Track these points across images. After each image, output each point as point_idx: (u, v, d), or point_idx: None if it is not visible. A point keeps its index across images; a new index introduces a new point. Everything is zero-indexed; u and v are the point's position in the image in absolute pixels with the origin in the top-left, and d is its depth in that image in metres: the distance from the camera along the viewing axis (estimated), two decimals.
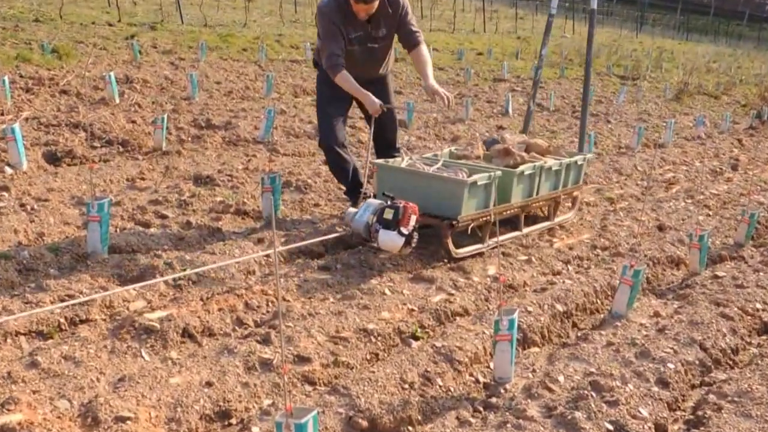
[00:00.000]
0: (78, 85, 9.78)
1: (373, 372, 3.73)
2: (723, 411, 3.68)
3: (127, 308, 4.20)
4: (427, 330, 4.39)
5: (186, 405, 3.32)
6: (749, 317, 4.96)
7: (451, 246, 5.38)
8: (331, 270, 5.04)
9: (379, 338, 4.15)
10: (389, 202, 5.06)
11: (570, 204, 6.88)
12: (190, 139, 8.42)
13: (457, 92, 14.29)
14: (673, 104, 16.57)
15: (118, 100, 9.43)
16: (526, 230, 6.11)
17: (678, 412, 3.80)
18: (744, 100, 18.74)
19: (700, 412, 3.70)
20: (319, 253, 5.42)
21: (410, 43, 5.77)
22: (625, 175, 9.12)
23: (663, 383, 3.92)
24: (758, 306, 5.09)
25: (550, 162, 6.20)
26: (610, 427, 3.44)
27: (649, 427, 3.52)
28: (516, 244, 5.95)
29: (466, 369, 3.97)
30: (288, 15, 24.37)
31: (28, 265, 4.60)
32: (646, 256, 5.93)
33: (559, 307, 4.79)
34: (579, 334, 4.56)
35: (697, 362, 4.22)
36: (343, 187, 6.17)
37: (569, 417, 3.46)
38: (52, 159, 7.11)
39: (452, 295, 4.83)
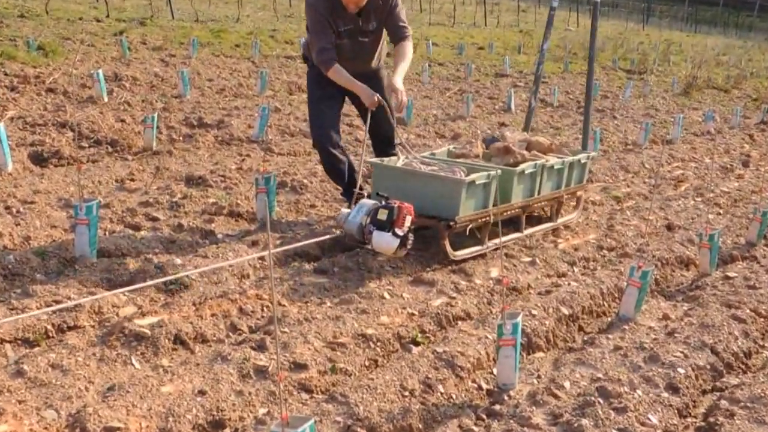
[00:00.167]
0: (65, 83, 9.77)
1: (372, 379, 3.72)
2: (735, 417, 3.67)
3: (117, 314, 4.19)
4: (427, 335, 4.38)
5: (178, 414, 3.31)
6: (762, 319, 4.96)
7: (448, 248, 5.36)
8: (328, 273, 5.03)
9: (378, 344, 4.14)
10: (384, 202, 5.04)
11: (574, 204, 6.86)
12: (181, 138, 8.41)
13: (457, 88, 14.29)
14: (681, 99, 16.56)
15: (106, 99, 9.42)
16: (527, 231, 6.10)
17: (689, 419, 3.79)
18: (755, 93, 18.74)
19: (711, 419, 3.69)
20: (316, 255, 5.41)
21: (397, 36, 5.74)
22: (632, 172, 9.12)
23: (673, 389, 3.91)
24: None
25: (552, 160, 6.19)
26: None
27: None
28: (519, 245, 5.94)
29: (468, 375, 3.96)
30: (282, 9, 24.37)
31: (13, 270, 4.59)
32: (654, 256, 5.93)
33: (565, 311, 4.79)
34: (585, 338, 4.55)
35: (708, 367, 4.21)
36: (340, 188, 6.16)
37: (576, 424, 3.45)
38: (39, 160, 7.11)
39: (453, 298, 4.83)
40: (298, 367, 3.79)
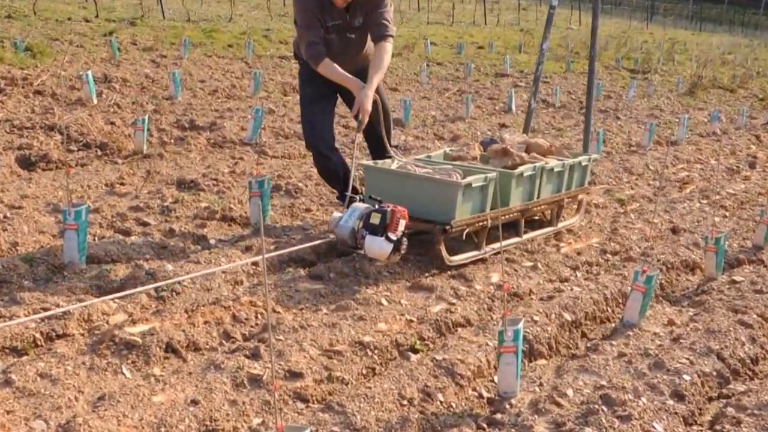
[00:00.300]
0: (53, 85, 9.78)
1: (370, 387, 3.72)
2: (742, 425, 3.68)
3: (107, 322, 4.19)
4: (426, 342, 4.38)
5: (170, 425, 3.31)
6: None
7: (444, 253, 5.35)
8: (324, 279, 5.03)
9: (376, 351, 4.14)
10: (376, 206, 5.04)
11: (576, 207, 6.85)
12: (172, 141, 8.42)
13: (456, 88, 14.30)
14: (686, 99, 16.59)
15: (95, 101, 9.43)
16: (527, 236, 6.10)
17: (695, 427, 3.80)
18: (762, 93, 18.79)
19: (718, 427, 3.70)
20: (311, 261, 5.41)
21: (375, 34, 5.65)
22: (636, 174, 9.13)
23: (678, 396, 3.91)
24: None
25: (552, 163, 6.19)
26: None
27: None
28: (521, 250, 5.95)
29: (468, 383, 3.97)
30: (276, 8, 24.39)
31: (0, 277, 4.59)
32: (659, 260, 5.94)
33: (567, 316, 4.79)
34: (589, 345, 4.55)
35: (714, 373, 4.22)
36: (336, 192, 6.17)
37: None
38: (26, 164, 7.10)
39: (453, 304, 4.83)
40: (294, 375, 3.79)
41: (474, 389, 3.97)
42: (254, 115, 8.74)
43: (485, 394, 3.93)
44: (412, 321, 4.54)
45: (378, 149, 6.08)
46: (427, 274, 5.29)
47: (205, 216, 6.05)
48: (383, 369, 4.07)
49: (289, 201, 6.68)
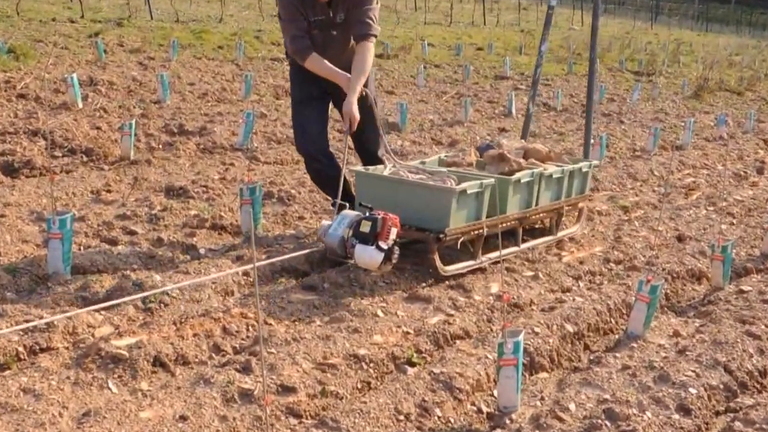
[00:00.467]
0: (37, 88, 9.78)
1: (365, 402, 3.73)
2: None
3: (93, 334, 4.19)
4: (424, 355, 4.38)
5: None
6: None
7: (438, 262, 5.34)
8: (318, 290, 5.03)
9: (372, 365, 4.14)
10: (367, 214, 5.03)
11: (576, 216, 6.85)
12: (161, 146, 8.42)
13: (455, 91, 14.33)
14: (692, 102, 16.63)
15: (81, 105, 9.43)
16: (525, 245, 6.09)
17: None
18: None
19: None
20: (304, 271, 5.41)
21: (357, 33, 5.63)
22: (640, 180, 9.15)
23: (684, 410, 3.92)
24: None
25: (551, 169, 6.20)
26: None
27: None
28: (521, 259, 5.96)
29: (467, 397, 3.97)
30: (268, 8, 24.39)
31: None
32: (664, 269, 5.95)
33: (570, 328, 4.80)
34: (591, 357, 4.56)
35: (721, 386, 4.22)
36: (330, 198, 6.16)
37: None
38: (9, 170, 7.10)
39: (451, 315, 4.84)
40: (286, 390, 3.79)
41: (473, 404, 3.97)
42: (245, 120, 8.75)
43: (485, 409, 3.94)
44: (408, 333, 4.54)
45: (368, 155, 6.07)
46: (424, 285, 5.30)
47: (194, 224, 6.05)
48: (379, 383, 4.07)
49: (281, 208, 6.68)
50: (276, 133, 9.46)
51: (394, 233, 4.94)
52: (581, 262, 6.09)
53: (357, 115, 5.47)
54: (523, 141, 7.08)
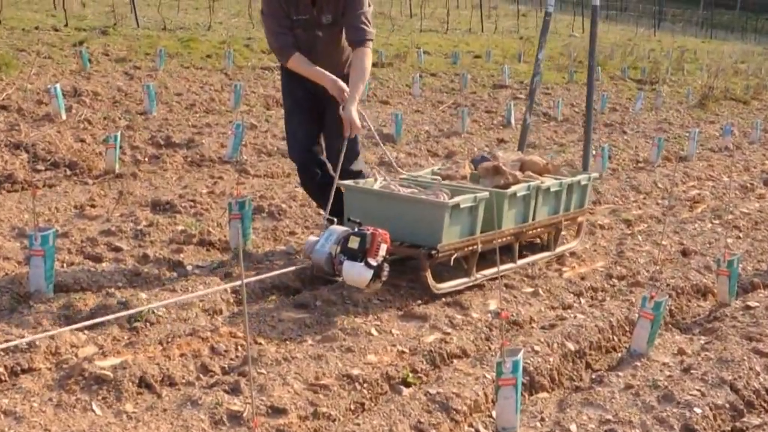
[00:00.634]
0: (19, 99, 9.78)
1: (359, 424, 3.73)
2: None
3: (76, 355, 4.19)
4: (419, 375, 4.39)
5: None
6: None
7: (430, 280, 5.33)
8: (310, 307, 5.04)
9: (365, 385, 4.14)
10: (356, 229, 5.02)
11: (576, 230, 6.86)
12: (147, 159, 8.43)
13: (451, 101, 14.36)
14: (696, 111, 16.69)
15: (64, 116, 9.43)
16: (521, 261, 6.09)
17: None
18: None
19: None
20: (295, 288, 5.42)
21: (352, 39, 5.65)
22: (643, 193, 9.17)
23: (689, 431, 3.93)
24: None
25: (549, 182, 6.20)
26: None
27: None
28: (520, 275, 5.97)
29: (464, 419, 3.97)
30: (258, 16, 24.41)
31: None
32: (668, 285, 5.96)
33: (571, 346, 4.80)
34: (593, 377, 4.57)
35: (727, 406, 4.23)
36: (323, 212, 6.17)
37: None
38: None
39: (448, 334, 4.84)
40: (276, 411, 3.79)
41: (470, 425, 3.97)
42: (235, 131, 8.76)
43: (483, 431, 3.94)
44: (404, 352, 4.54)
45: (343, 169, 5.91)
46: (419, 302, 5.30)
47: (181, 240, 6.05)
48: (373, 404, 4.07)
49: (272, 224, 6.69)
50: (266, 145, 9.48)
51: (383, 249, 4.93)
52: (583, 278, 6.10)
53: (357, 122, 5.49)
54: (519, 153, 7.08)
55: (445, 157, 9.93)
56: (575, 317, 5.20)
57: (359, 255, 4.89)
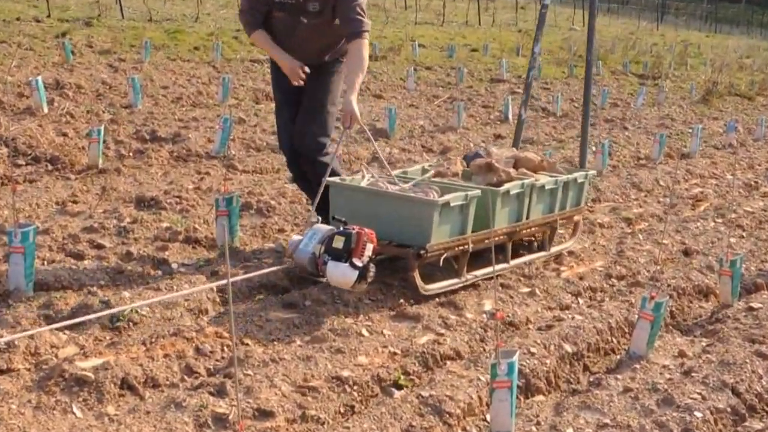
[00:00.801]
0: None
1: (348, 428, 3.73)
2: None
3: (56, 355, 4.18)
4: (411, 377, 4.39)
5: None
6: None
7: (418, 280, 5.32)
8: (298, 307, 5.03)
9: (355, 387, 4.15)
10: (341, 228, 5.01)
11: (572, 229, 6.86)
12: (131, 154, 8.42)
13: (447, 96, 14.37)
14: (700, 107, 16.72)
15: (46, 110, 9.41)
16: (514, 262, 6.08)
17: None
18: None
19: None
20: (284, 287, 5.41)
21: (347, 31, 5.65)
22: (644, 191, 9.19)
23: None
24: None
25: (543, 180, 6.19)
26: None
27: None
28: (517, 274, 5.97)
29: (457, 422, 3.97)
30: None
31: None
32: (669, 285, 5.97)
33: (568, 348, 4.81)
34: (591, 379, 4.58)
35: (728, 410, 4.24)
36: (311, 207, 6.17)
37: None
38: None
39: (441, 335, 4.84)
40: (263, 414, 3.79)
41: (464, 429, 3.97)
42: (222, 125, 8.75)
43: None
44: (395, 353, 4.54)
45: (304, 155, 5.94)
46: (412, 302, 5.30)
47: (166, 237, 6.04)
48: (363, 407, 4.07)
49: (260, 220, 6.69)
50: (255, 140, 9.47)
51: (369, 249, 4.91)
52: (581, 278, 6.10)
53: (357, 114, 5.50)
54: (514, 149, 7.05)
55: (440, 153, 9.94)
56: (573, 318, 5.20)
57: (344, 255, 4.87)
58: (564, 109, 14.46)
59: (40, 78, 9.69)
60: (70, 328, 4.37)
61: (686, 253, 6.93)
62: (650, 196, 9.04)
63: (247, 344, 4.49)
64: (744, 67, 25.31)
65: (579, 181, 6.58)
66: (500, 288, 5.67)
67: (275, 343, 4.55)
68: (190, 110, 10.78)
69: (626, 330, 5.21)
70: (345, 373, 4.21)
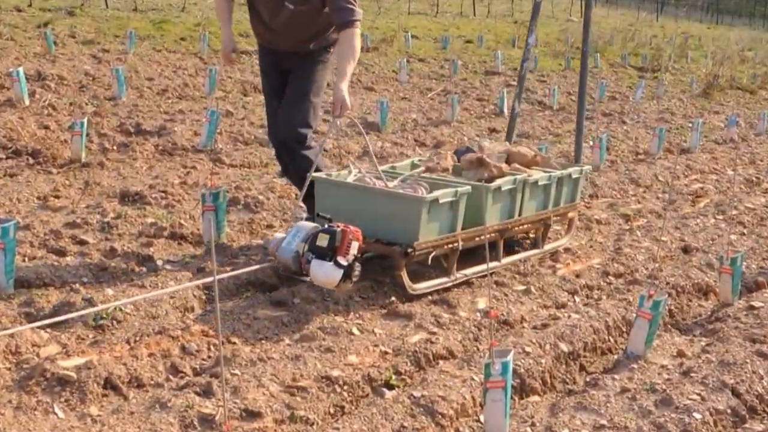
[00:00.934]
0: None
1: (338, 429, 3.73)
2: None
3: (37, 354, 4.17)
4: (403, 377, 4.39)
5: None
6: None
7: (406, 279, 5.29)
8: (287, 305, 5.03)
9: (346, 387, 4.15)
10: (325, 225, 4.98)
11: (566, 226, 6.86)
12: (115, 147, 8.41)
13: (441, 88, 14.37)
14: (700, 101, 16.76)
15: (27, 102, 9.40)
16: (505, 260, 6.08)
17: None
18: None
19: None
20: (272, 284, 5.41)
21: (337, 20, 5.64)
22: (643, 186, 9.20)
23: None
24: None
25: (537, 175, 6.18)
26: None
27: None
28: (512, 272, 5.98)
29: (450, 423, 3.98)
30: None
31: None
32: (668, 283, 5.98)
33: (564, 347, 4.81)
34: (588, 379, 4.59)
35: (728, 411, 4.24)
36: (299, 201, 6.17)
37: None
38: None
39: (434, 333, 4.84)
40: (251, 415, 3.79)
41: (457, 430, 3.98)
42: (209, 118, 8.74)
43: None
44: (387, 353, 4.55)
45: (283, 143, 5.95)
46: (404, 300, 5.30)
47: (151, 233, 6.04)
48: (353, 407, 4.07)
49: (247, 216, 6.68)
50: (243, 134, 9.47)
51: (355, 248, 4.88)
52: (577, 276, 6.11)
53: (348, 102, 5.46)
54: (507, 144, 7.03)
55: (433, 147, 9.94)
56: (569, 317, 5.21)
57: (328, 254, 4.82)
58: (561, 102, 14.48)
59: (21, 69, 9.67)
60: (52, 326, 4.36)
61: (686, 250, 6.94)
62: (649, 191, 9.06)
63: (235, 343, 4.49)
64: (746, 60, 25.37)
65: (574, 176, 6.56)
66: (494, 286, 5.68)
67: (263, 341, 4.55)
68: (176, 103, 10.78)
69: (624, 329, 5.22)
70: (335, 373, 4.21)
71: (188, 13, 19.20)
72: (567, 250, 6.60)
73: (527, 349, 4.66)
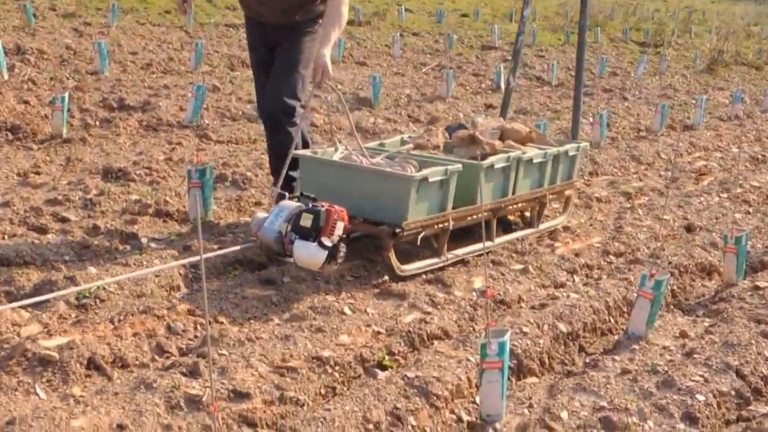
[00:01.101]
0: None
1: (329, 410, 3.73)
2: None
3: (18, 334, 4.17)
4: (396, 357, 4.40)
5: None
6: None
7: (394, 260, 5.28)
8: (277, 284, 5.04)
9: (337, 368, 4.15)
10: (309, 205, 4.95)
11: (563, 205, 6.87)
12: (97, 123, 8.39)
13: (435, 63, 14.34)
14: (704, 77, 16.75)
15: (6, 76, 9.38)
16: (499, 240, 6.06)
17: None
18: None
19: None
20: (261, 263, 5.41)
21: None
22: (645, 164, 9.21)
23: (691, 419, 3.95)
24: None
25: (531, 152, 6.16)
26: None
27: None
28: (509, 250, 5.98)
29: (445, 405, 3.98)
30: None
31: None
32: (670, 263, 5.99)
33: (563, 328, 4.82)
34: (587, 360, 4.60)
35: (732, 393, 4.25)
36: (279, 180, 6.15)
37: None
38: None
39: (429, 313, 4.85)
40: (239, 396, 3.79)
41: (452, 412, 3.98)
42: (195, 93, 8.73)
43: (465, 418, 3.95)
44: (379, 333, 4.55)
45: (273, 116, 5.92)
46: (397, 279, 5.30)
47: (135, 211, 6.03)
48: (345, 388, 4.08)
49: (235, 193, 6.68)
50: (230, 109, 9.45)
51: (340, 228, 4.83)
52: (577, 255, 6.12)
53: (329, 69, 5.42)
54: (501, 120, 6.99)
55: (427, 124, 9.91)
56: (568, 296, 5.22)
57: (312, 234, 4.77)
58: (560, 78, 14.47)
59: None
60: (33, 305, 4.35)
61: (689, 229, 6.95)
62: (651, 169, 9.06)
63: (222, 322, 4.49)
64: (751, 35, 25.36)
65: (570, 153, 6.53)
66: (491, 265, 5.68)
67: (251, 321, 4.55)
68: (160, 77, 10.75)
69: (624, 309, 5.23)
70: (326, 353, 4.21)
71: None
72: (566, 228, 6.60)
73: (525, 329, 4.66)
